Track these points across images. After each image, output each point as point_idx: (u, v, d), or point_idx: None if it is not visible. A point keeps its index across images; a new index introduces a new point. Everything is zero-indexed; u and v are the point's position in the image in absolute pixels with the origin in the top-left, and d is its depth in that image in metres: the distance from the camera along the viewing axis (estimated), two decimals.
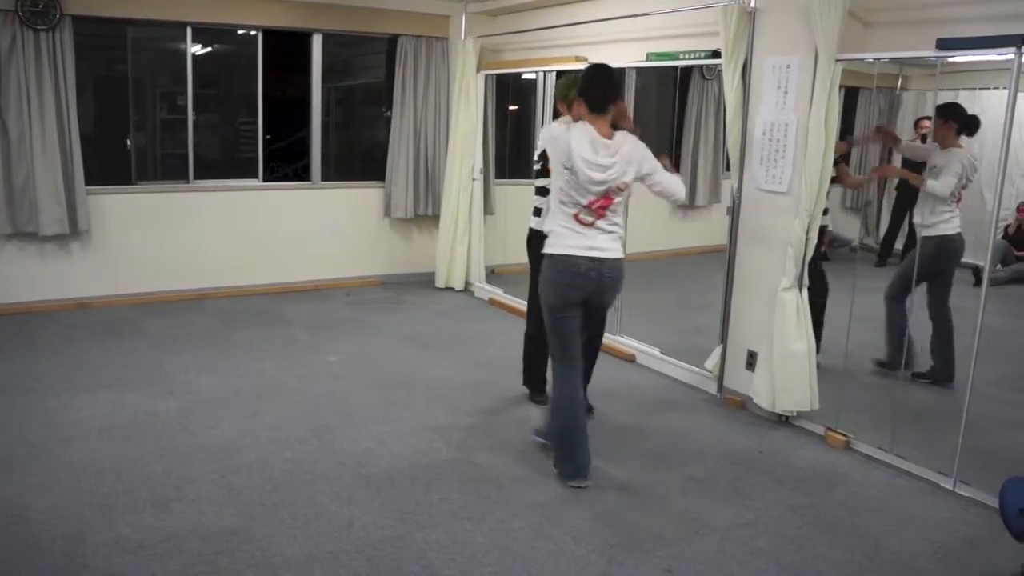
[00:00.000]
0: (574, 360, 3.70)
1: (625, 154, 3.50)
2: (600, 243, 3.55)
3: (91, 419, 4.20)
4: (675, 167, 3.84)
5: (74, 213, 6.08)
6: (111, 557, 2.97)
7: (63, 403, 4.40)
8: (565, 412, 3.70)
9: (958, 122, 4.61)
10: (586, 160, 3.43)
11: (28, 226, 5.97)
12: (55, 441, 3.93)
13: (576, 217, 3.53)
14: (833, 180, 4.39)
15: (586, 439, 3.69)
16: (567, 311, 3.62)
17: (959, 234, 4.71)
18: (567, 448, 3.70)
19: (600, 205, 3.51)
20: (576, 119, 3.60)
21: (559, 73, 6.50)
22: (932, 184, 4.58)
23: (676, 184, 3.69)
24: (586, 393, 4.19)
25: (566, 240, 3.55)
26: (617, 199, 3.56)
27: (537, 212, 4.26)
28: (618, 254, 3.61)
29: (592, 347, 4.15)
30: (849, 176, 5.22)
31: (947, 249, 4.71)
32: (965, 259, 4.81)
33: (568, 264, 3.54)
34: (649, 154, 3.61)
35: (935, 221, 4.67)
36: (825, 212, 4.40)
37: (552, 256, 3.59)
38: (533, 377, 4.67)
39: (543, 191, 4.11)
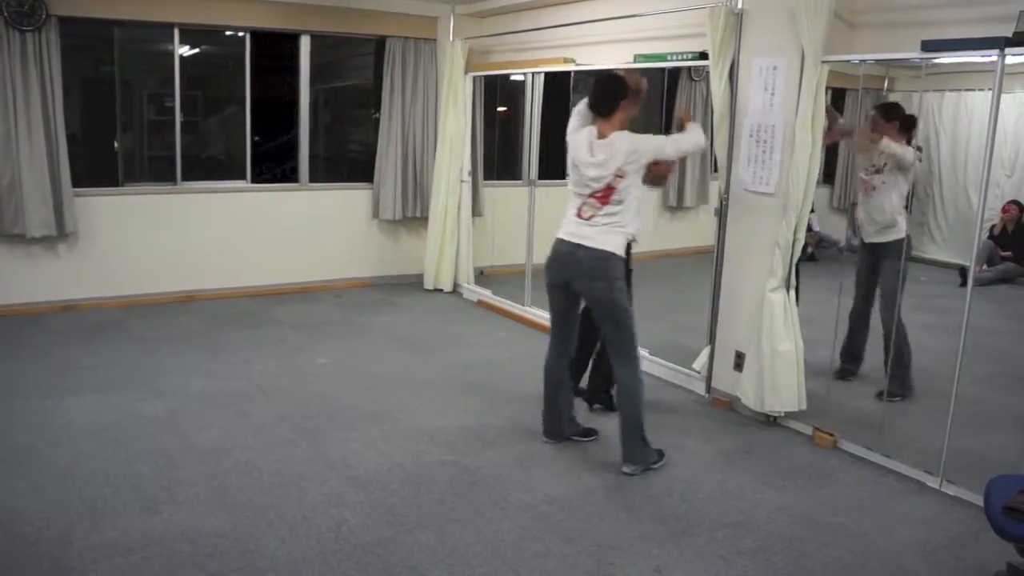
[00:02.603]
0: (556, 336, 4.11)
1: (616, 149, 3.73)
2: (586, 232, 3.80)
3: (78, 422, 4.18)
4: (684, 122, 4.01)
5: (61, 215, 6.04)
6: (98, 560, 2.96)
7: (50, 406, 4.38)
8: (544, 377, 4.18)
9: (900, 120, 4.58)
10: (583, 160, 3.80)
11: (14, 228, 5.93)
12: (41, 444, 3.91)
13: (579, 209, 3.84)
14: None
15: (556, 408, 4.14)
16: (551, 290, 4.01)
17: (908, 236, 4.58)
18: (544, 407, 4.18)
19: (602, 195, 3.76)
20: (621, 125, 3.83)
21: (547, 76, 6.53)
22: (887, 142, 4.53)
23: (692, 141, 3.96)
24: (607, 392, 4.52)
25: (562, 227, 3.90)
26: (619, 187, 3.74)
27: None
28: (602, 245, 3.76)
29: (590, 339, 4.34)
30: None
31: (899, 251, 4.50)
32: (950, 259, 4.81)
33: (554, 246, 3.92)
34: (647, 144, 3.79)
35: (892, 224, 4.64)
36: (811, 211, 4.41)
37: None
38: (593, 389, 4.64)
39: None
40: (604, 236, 3.76)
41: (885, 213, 4.65)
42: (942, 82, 5.42)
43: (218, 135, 7.30)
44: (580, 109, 3.96)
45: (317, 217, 7.23)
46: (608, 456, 3.99)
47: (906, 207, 4.62)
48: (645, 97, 4.20)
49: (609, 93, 3.80)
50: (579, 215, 3.83)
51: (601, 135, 3.76)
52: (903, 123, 4.58)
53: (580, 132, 3.87)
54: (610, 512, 3.46)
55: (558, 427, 4.15)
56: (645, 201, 3.95)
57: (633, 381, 3.83)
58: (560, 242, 3.87)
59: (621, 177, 3.72)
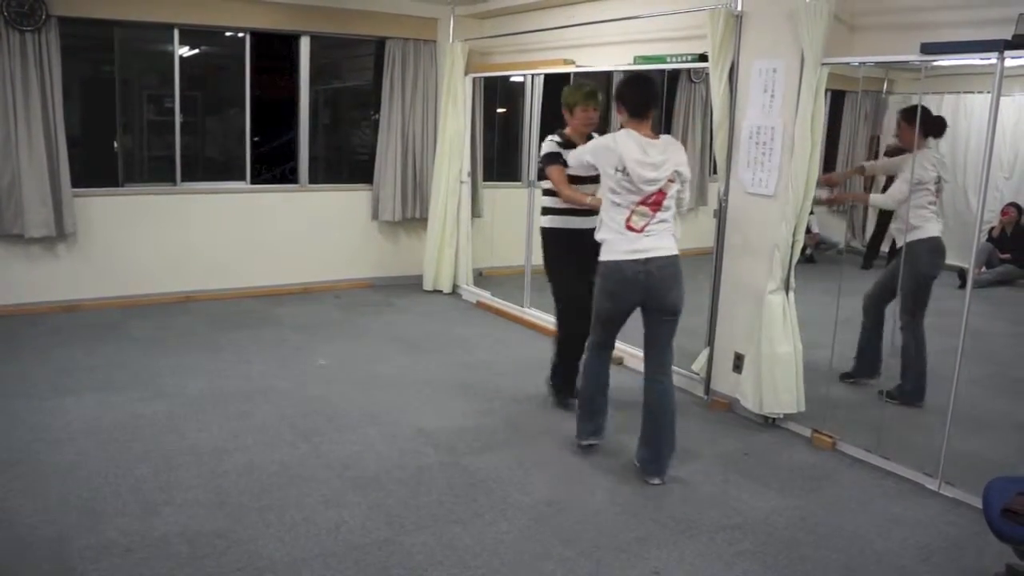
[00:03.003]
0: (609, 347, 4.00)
1: (673, 152, 3.68)
2: (648, 244, 3.64)
3: (77, 422, 4.18)
4: None
5: (60, 215, 6.04)
6: (98, 560, 2.96)
7: (49, 406, 4.38)
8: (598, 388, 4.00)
9: (922, 124, 4.44)
10: (638, 160, 3.58)
11: (14, 228, 5.93)
12: (40, 444, 3.91)
13: (628, 221, 3.65)
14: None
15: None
16: (620, 315, 3.83)
17: (935, 238, 4.52)
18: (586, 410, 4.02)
19: (655, 201, 3.63)
20: (580, 126, 3.99)
21: (547, 78, 6.53)
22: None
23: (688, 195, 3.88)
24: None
25: (614, 248, 3.68)
26: (670, 193, 3.68)
27: (546, 211, 4.53)
28: (670, 251, 3.70)
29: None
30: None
31: (920, 252, 4.50)
32: (950, 261, 4.81)
33: (619, 268, 3.67)
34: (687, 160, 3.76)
35: (914, 224, 4.50)
36: (811, 212, 4.41)
37: (605, 263, 3.73)
38: (566, 382, 4.61)
39: (550, 192, 4.40)
40: (665, 241, 3.67)
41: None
42: (941, 84, 5.42)
43: (218, 136, 7.30)
44: (552, 145, 4.10)
45: (317, 218, 7.23)
46: (607, 458, 4.00)
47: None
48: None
49: (654, 93, 3.72)
50: (631, 228, 3.63)
51: (646, 136, 3.64)
52: (927, 127, 4.45)
53: (618, 137, 3.65)
54: (609, 514, 3.47)
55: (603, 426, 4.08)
56: None
57: (673, 390, 3.85)
58: (626, 264, 3.64)
59: (672, 181, 3.65)
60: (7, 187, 5.88)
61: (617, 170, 3.60)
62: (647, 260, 3.62)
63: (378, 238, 7.54)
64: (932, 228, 4.52)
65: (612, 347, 3.99)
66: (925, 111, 4.44)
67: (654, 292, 3.66)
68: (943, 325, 4.73)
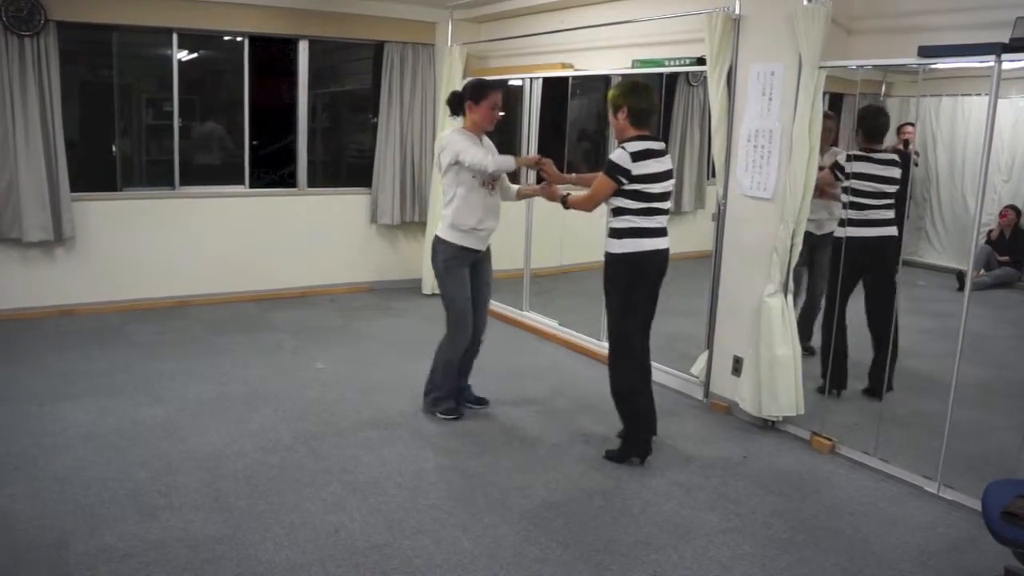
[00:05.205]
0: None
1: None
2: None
3: (75, 427, 4.18)
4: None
5: (59, 219, 6.04)
6: (96, 566, 2.96)
7: (47, 411, 4.38)
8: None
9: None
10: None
11: (11, 232, 5.93)
12: (38, 450, 3.90)
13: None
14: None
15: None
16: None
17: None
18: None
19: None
20: (621, 129, 3.82)
21: (545, 81, 6.53)
22: None
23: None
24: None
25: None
26: None
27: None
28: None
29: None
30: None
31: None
32: (948, 264, 4.82)
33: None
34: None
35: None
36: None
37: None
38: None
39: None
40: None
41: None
42: (939, 87, 5.44)
43: (216, 139, 7.29)
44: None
45: (315, 222, 7.23)
46: (606, 462, 3.99)
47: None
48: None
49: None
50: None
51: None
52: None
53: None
54: (608, 517, 3.46)
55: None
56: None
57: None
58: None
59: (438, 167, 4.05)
60: (5, 191, 5.87)
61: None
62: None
63: (377, 242, 7.54)
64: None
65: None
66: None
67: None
68: (942, 328, 4.74)
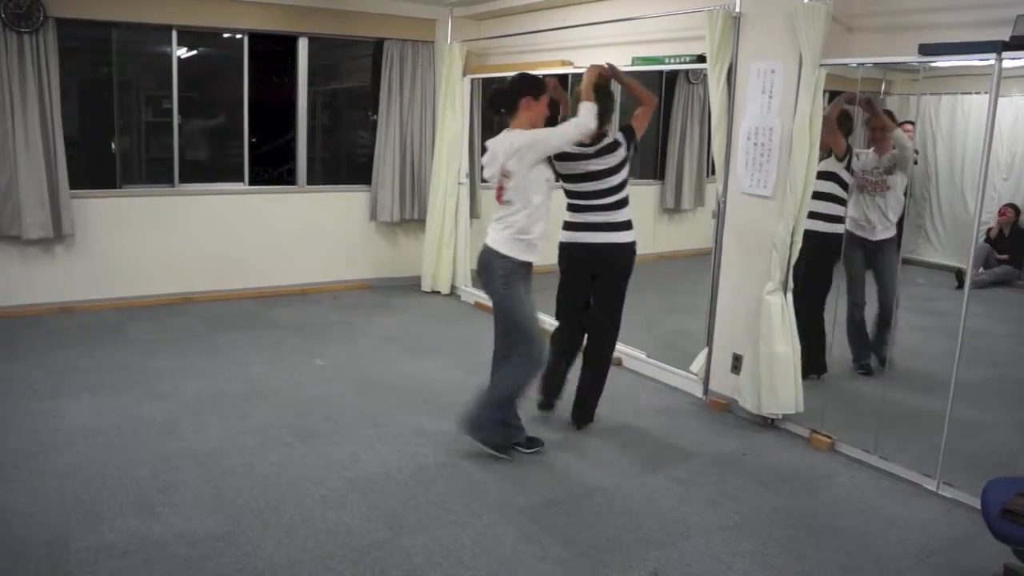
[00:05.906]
0: None
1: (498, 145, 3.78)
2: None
3: (75, 424, 4.18)
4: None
5: (58, 217, 6.04)
6: (96, 563, 2.96)
7: (46, 408, 4.38)
8: None
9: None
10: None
11: (11, 230, 5.93)
12: (38, 447, 3.90)
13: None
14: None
15: None
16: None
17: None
18: None
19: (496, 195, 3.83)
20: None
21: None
22: None
23: (576, 127, 3.80)
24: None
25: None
26: (507, 187, 3.75)
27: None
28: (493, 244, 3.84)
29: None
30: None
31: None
32: (947, 262, 4.84)
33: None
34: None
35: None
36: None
37: None
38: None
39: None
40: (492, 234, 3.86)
41: (896, 212, 4.85)
42: (939, 85, 5.44)
43: (216, 137, 7.29)
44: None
45: (315, 219, 7.23)
46: (606, 459, 4.00)
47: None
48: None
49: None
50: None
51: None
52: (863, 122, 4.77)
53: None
54: (607, 514, 3.46)
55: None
56: (639, 203, 3.95)
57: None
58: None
59: (507, 176, 3.72)
60: (4, 189, 5.87)
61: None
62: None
63: (376, 239, 7.54)
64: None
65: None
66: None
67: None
68: (941, 326, 4.74)
